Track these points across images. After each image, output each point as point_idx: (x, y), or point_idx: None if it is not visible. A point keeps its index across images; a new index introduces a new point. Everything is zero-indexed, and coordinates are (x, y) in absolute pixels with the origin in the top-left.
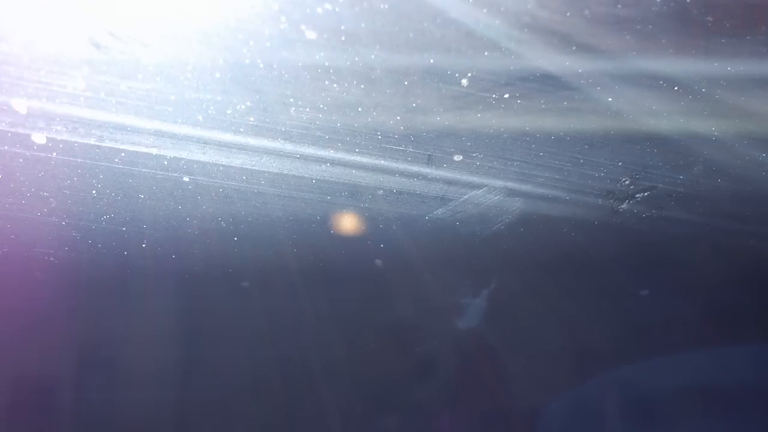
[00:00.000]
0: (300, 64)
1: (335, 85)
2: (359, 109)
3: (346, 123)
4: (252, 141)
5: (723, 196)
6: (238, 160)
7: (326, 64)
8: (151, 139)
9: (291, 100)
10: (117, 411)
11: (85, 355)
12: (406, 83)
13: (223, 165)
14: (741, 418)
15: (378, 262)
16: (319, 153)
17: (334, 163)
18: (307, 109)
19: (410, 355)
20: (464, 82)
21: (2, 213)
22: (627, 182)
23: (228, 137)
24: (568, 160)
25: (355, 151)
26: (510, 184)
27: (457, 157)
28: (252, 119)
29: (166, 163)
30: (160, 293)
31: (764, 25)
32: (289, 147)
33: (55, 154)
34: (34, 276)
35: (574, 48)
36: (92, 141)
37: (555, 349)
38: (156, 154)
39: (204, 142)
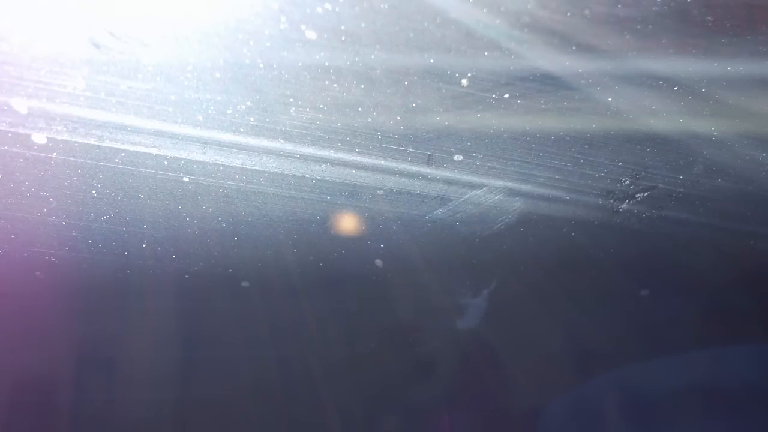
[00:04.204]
0: (300, 64)
1: (335, 85)
2: (359, 109)
3: (346, 123)
4: (252, 141)
5: (723, 196)
6: (238, 160)
7: (326, 64)
8: (151, 139)
9: (291, 100)
10: (117, 411)
11: (85, 355)
12: (406, 83)
13: (223, 165)
14: (741, 418)
15: (378, 262)
16: (319, 153)
17: (334, 163)
18: (307, 109)
19: (410, 356)
20: (464, 82)
21: (2, 213)
22: (627, 182)
23: (228, 137)
24: (568, 160)
25: (355, 151)
26: (510, 184)
27: (457, 157)
28: (252, 119)
29: (166, 163)
30: (160, 293)
31: (764, 25)
32: (289, 147)
33: (55, 154)
34: (34, 276)
35: (574, 48)
36: (92, 141)
37: (555, 350)
38: (156, 154)
39: (204, 142)
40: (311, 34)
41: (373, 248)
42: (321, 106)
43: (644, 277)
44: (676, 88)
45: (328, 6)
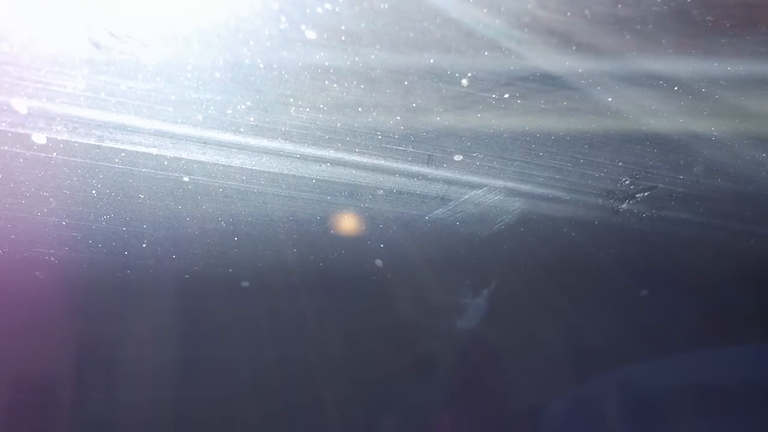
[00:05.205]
0: (300, 64)
1: (335, 85)
2: (359, 109)
3: (346, 123)
4: (252, 141)
5: (723, 196)
6: (238, 160)
7: (326, 64)
8: (151, 139)
9: (291, 100)
10: (117, 411)
11: (85, 355)
12: (406, 83)
13: (223, 165)
14: (741, 418)
15: (378, 262)
16: (319, 153)
17: (334, 163)
18: (307, 109)
19: (410, 355)
20: (464, 82)
21: (2, 213)
22: (627, 182)
23: (228, 137)
24: (568, 160)
25: (355, 151)
26: (510, 184)
27: (457, 157)
28: (252, 119)
29: (166, 163)
30: (160, 293)
31: (764, 25)
32: (289, 147)
33: (55, 154)
34: (34, 276)
35: (574, 48)
36: (92, 141)
37: (555, 349)
38: (156, 154)
39: (204, 142)
40: (311, 34)
41: (373, 248)
42: (321, 106)
43: (644, 277)
44: (676, 88)
45: (328, 6)
